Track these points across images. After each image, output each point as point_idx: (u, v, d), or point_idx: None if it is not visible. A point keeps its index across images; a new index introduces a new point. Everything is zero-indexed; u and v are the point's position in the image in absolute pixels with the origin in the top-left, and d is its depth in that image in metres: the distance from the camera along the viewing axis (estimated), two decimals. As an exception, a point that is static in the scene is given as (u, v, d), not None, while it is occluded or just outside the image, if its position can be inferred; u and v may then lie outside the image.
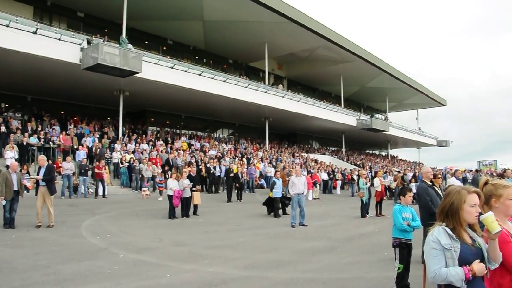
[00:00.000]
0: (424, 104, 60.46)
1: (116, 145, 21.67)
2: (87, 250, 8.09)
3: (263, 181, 26.59)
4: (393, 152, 62.56)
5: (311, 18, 31.27)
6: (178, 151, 24.87)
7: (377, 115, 50.16)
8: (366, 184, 14.96)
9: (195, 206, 14.28)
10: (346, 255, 8.28)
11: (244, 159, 27.70)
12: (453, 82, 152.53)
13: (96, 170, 17.65)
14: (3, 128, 19.53)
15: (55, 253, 7.82)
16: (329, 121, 37.99)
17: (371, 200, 14.99)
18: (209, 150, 27.93)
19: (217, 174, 22.63)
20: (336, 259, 7.91)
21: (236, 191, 19.78)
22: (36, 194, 11.12)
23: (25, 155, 18.63)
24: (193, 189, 14.11)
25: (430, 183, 7.61)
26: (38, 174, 10.94)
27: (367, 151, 59.74)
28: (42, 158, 11.47)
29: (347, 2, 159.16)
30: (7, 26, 17.10)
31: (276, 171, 17.01)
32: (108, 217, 12.71)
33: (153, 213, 13.97)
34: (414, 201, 18.87)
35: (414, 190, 20.01)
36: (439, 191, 7.80)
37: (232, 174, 20.21)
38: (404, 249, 5.64)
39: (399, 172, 25.11)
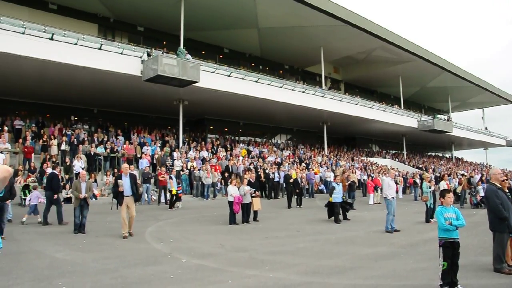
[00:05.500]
0: (490, 102, 57.59)
1: (176, 153, 22.25)
2: (151, 255, 8.33)
3: (322, 186, 26.34)
4: (457, 154, 59.89)
5: (366, 19, 30.72)
6: (237, 157, 25.15)
7: (439, 116, 48.15)
8: (430, 188, 14.35)
9: (255, 212, 14.28)
10: (411, 261, 7.97)
11: (303, 165, 27.54)
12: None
13: (160, 178, 18.23)
14: (74, 140, 20.66)
15: (122, 257, 8.11)
16: (388, 123, 37.04)
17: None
18: (267, 156, 28.04)
19: (276, 180, 22.64)
20: (400, 265, 7.64)
21: (295, 196, 19.65)
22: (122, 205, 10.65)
23: (93, 165, 19.61)
24: (253, 195, 14.17)
25: (500, 186, 7.23)
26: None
27: (430, 153, 57.60)
28: (125, 167, 11.13)
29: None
30: (75, 44, 18.19)
31: (335, 176, 16.72)
32: (171, 223, 13.05)
33: (214, 219, 14.16)
34: (483, 204, 18.14)
35: (482, 193, 19.20)
36: (509, 194, 7.40)
37: (291, 180, 20.07)
38: (448, 248, 6.04)
39: (463, 175, 23.89)
